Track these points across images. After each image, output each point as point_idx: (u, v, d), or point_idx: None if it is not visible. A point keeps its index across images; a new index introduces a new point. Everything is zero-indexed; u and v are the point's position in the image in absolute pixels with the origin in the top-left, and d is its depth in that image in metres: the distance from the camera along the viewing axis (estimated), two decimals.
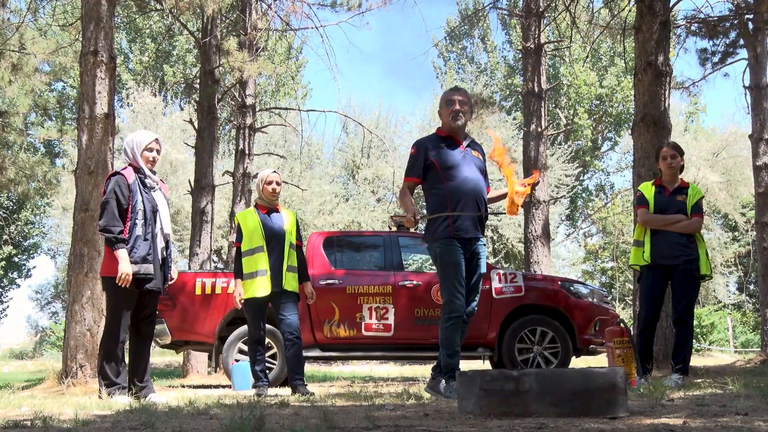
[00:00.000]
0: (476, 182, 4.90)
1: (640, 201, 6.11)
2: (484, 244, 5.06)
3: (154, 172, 5.28)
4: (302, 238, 6.24)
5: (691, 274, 5.83)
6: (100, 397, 5.00)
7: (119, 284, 4.92)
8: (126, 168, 5.18)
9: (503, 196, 5.06)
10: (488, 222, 23.04)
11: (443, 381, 4.83)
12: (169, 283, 5.42)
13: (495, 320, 7.56)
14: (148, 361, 5.31)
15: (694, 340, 6.44)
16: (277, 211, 6.00)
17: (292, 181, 19.98)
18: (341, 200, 24.97)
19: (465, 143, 5.01)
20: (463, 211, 4.80)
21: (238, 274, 5.90)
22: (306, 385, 5.84)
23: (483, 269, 5.01)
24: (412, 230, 7.85)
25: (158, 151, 5.27)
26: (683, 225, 5.85)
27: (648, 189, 6.10)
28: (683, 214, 5.88)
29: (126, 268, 4.91)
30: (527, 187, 4.80)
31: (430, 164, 4.91)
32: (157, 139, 5.29)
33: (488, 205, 4.99)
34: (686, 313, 5.83)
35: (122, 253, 4.93)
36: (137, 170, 5.16)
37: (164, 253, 5.28)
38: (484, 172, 5.04)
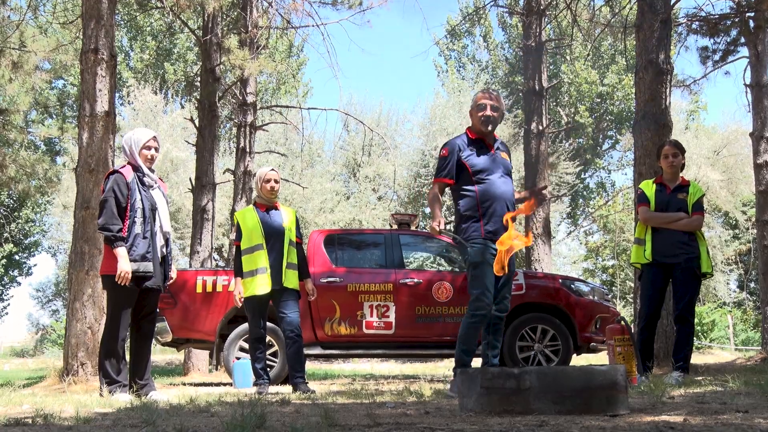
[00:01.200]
0: (506, 186, 4.91)
1: (640, 199, 6.11)
2: None
3: (152, 170, 5.28)
4: (302, 235, 6.24)
5: (692, 272, 5.84)
6: (101, 395, 5.00)
7: (119, 282, 4.92)
8: (124, 166, 5.18)
9: (522, 200, 5.04)
10: None
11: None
12: (170, 281, 5.43)
13: None
14: (149, 359, 5.32)
15: (694, 338, 6.45)
16: (276, 208, 6.00)
17: (293, 179, 19.98)
18: (342, 198, 24.97)
19: (495, 146, 5.00)
20: (492, 216, 4.79)
21: (238, 272, 5.90)
22: (307, 382, 5.84)
23: (512, 268, 4.99)
24: (413, 228, 7.82)
25: (156, 149, 5.27)
26: (684, 223, 5.86)
27: (649, 187, 6.10)
28: (684, 212, 5.89)
29: (125, 266, 4.92)
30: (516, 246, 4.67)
31: (461, 166, 4.88)
32: (155, 136, 5.28)
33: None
34: (687, 311, 5.83)
35: (121, 252, 4.94)
36: (135, 168, 5.16)
37: (164, 251, 5.28)
38: (510, 174, 5.04)
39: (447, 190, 5.12)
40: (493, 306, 4.88)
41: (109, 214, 4.99)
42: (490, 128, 4.94)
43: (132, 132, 5.36)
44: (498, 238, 4.76)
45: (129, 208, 5.05)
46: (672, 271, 5.89)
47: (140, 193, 5.10)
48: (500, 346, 5.08)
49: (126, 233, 5.00)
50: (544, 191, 5.06)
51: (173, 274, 5.43)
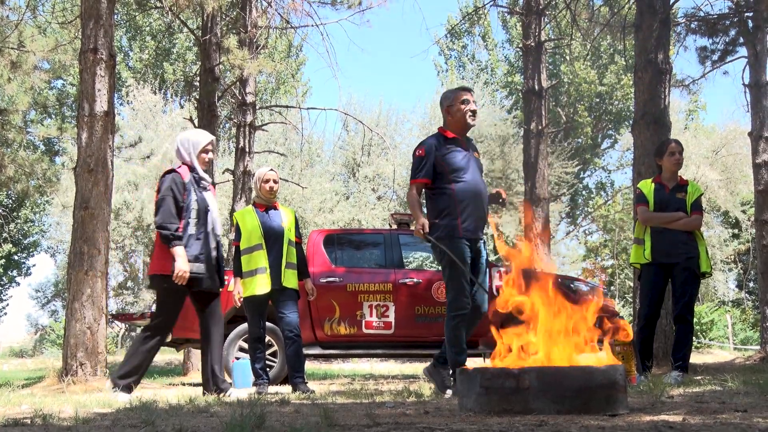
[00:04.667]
0: (480, 185, 4.96)
1: (639, 199, 6.12)
2: (485, 242, 5.11)
3: (207, 173, 5.32)
4: (302, 235, 6.25)
5: (691, 272, 5.85)
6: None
7: (176, 282, 4.92)
8: (181, 166, 5.19)
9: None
10: (489, 220, 23.05)
11: (446, 375, 4.87)
12: (225, 283, 5.47)
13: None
14: (220, 363, 5.34)
15: (693, 338, 6.46)
16: (275, 208, 6.01)
17: (293, 179, 19.96)
18: (342, 198, 24.96)
19: (467, 145, 5.05)
20: (469, 215, 4.83)
21: (238, 272, 5.91)
22: (306, 382, 5.85)
23: (486, 266, 5.08)
24: (412, 228, 7.83)
25: (213, 152, 5.33)
26: (683, 222, 5.87)
27: (647, 186, 6.11)
28: (683, 212, 5.90)
29: (183, 265, 4.92)
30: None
31: (438, 165, 4.90)
32: (213, 140, 5.34)
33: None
34: (686, 311, 5.84)
35: (179, 251, 4.94)
36: (191, 169, 5.19)
37: (216, 253, 5.30)
38: (482, 172, 5.10)
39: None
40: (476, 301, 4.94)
41: (167, 212, 4.99)
42: (474, 123, 4.99)
43: (188, 133, 5.36)
44: (473, 236, 4.85)
45: (184, 208, 5.06)
46: (671, 271, 5.90)
47: (196, 194, 5.12)
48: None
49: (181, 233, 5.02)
50: (500, 199, 5.10)
51: (225, 276, 5.48)
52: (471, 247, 4.90)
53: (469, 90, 5.11)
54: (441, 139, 5.00)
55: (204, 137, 5.29)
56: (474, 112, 4.98)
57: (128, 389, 5.02)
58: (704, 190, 24.05)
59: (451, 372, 4.89)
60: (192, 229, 5.07)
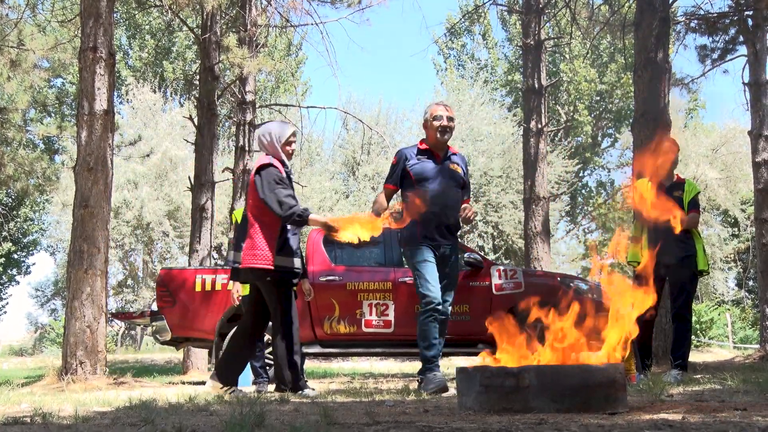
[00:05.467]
0: (445, 195, 5.16)
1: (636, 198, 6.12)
2: (455, 247, 5.30)
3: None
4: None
5: (688, 270, 5.85)
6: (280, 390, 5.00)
7: (332, 236, 4.88)
8: (273, 160, 5.05)
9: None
10: (489, 218, 23.11)
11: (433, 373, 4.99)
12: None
13: None
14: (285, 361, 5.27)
15: (693, 336, 6.47)
16: None
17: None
18: (341, 197, 24.95)
19: (444, 156, 5.27)
20: (427, 222, 5.05)
21: None
22: (306, 381, 5.85)
23: (455, 272, 5.30)
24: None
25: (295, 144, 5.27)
26: (681, 221, 5.86)
27: (644, 186, 6.10)
28: (680, 210, 5.89)
29: (330, 221, 4.88)
30: None
31: (405, 174, 5.21)
32: (295, 132, 5.27)
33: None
34: (684, 309, 5.84)
35: (317, 217, 4.87)
36: (282, 163, 5.10)
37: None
38: (463, 185, 5.31)
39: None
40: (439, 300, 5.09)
41: (285, 197, 4.86)
42: (446, 138, 5.24)
43: (271, 125, 5.23)
44: (434, 243, 5.10)
45: None
46: (668, 270, 5.89)
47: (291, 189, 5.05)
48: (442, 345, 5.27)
49: (279, 229, 4.96)
50: (467, 219, 5.22)
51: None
52: (436, 251, 5.13)
53: (445, 106, 5.35)
54: (415, 149, 5.30)
55: (288, 129, 5.19)
56: (444, 129, 5.21)
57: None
58: (704, 189, 24.06)
59: (421, 367, 5.03)
60: (288, 225, 5.03)
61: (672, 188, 6.00)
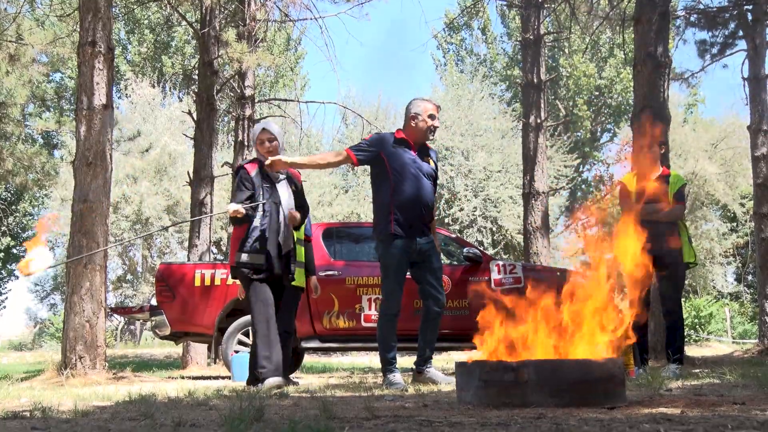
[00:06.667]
0: (421, 185, 5.06)
1: (622, 192, 6.14)
2: (431, 242, 5.17)
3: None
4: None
5: (675, 263, 5.85)
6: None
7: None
8: (247, 161, 5.34)
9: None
10: (488, 213, 23.10)
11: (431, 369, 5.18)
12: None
13: None
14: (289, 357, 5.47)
15: (692, 331, 6.48)
16: None
17: None
18: (340, 191, 24.95)
19: (419, 150, 5.18)
20: (402, 213, 4.97)
21: None
22: (288, 375, 5.98)
23: (437, 264, 5.18)
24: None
25: (270, 140, 5.29)
26: (665, 213, 5.86)
27: (630, 180, 6.12)
28: (666, 203, 5.89)
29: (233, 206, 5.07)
30: None
31: (380, 160, 5.06)
32: (264, 128, 5.32)
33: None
34: (673, 303, 5.86)
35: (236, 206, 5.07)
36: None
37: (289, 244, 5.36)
38: (433, 178, 5.21)
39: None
40: (429, 301, 5.15)
41: (238, 202, 5.08)
42: (432, 137, 5.23)
43: (257, 124, 5.45)
44: (410, 234, 4.98)
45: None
46: (656, 263, 5.88)
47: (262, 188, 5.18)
48: (435, 341, 5.39)
49: (247, 227, 5.11)
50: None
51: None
52: (410, 247, 5.01)
53: (438, 107, 5.34)
54: (391, 136, 5.17)
55: (257, 128, 5.34)
56: (435, 130, 5.19)
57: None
58: (702, 184, 24.06)
59: (382, 369, 5.23)
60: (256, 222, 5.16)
61: (657, 182, 5.99)
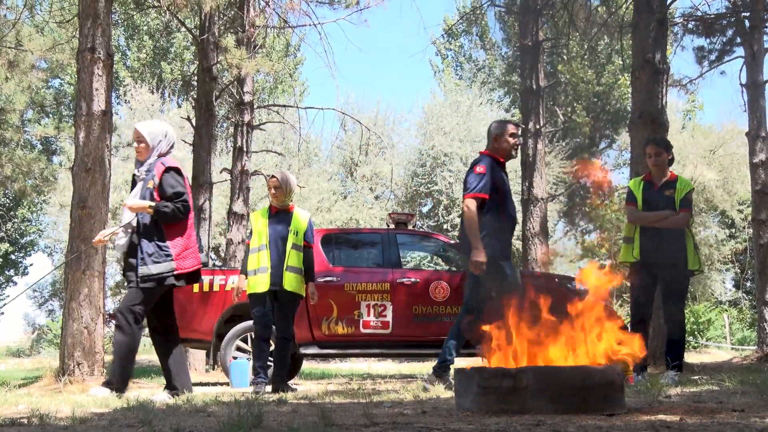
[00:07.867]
0: (515, 210, 5.58)
1: (628, 198, 6.14)
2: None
3: (141, 163, 5.29)
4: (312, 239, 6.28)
5: (678, 271, 5.84)
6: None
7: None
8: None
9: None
10: None
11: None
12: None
13: None
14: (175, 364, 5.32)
15: (691, 338, 6.48)
16: (288, 211, 6.07)
17: None
18: (339, 198, 24.95)
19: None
20: (505, 237, 5.41)
21: (244, 270, 6.12)
22: (286, 381, 5.98)
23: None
24: (410, 227, 7.86)
25: (139, 141, 5.37)
26: (671, 221, 5.85)
27: (636, 185, 6.11)
28: (672, 209, 5.88)
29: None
30: None
31: (493, 185, 5.31)
32: (135, 129, 5.42)
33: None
34: (675, 310, 5.85)
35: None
36: None
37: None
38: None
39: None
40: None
41: None
42: (515, 155, 5.60)
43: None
44: (508, 254, 5.42)
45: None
46: (660, 270, 5.88)
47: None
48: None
49: None
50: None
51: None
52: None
53: (518, 125, 5.73)
54: (495, 161, 5.44)
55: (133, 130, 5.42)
56: (518, 147, 5.60)
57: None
58: (701, 190, 24.07)
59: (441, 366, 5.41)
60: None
61: (664, 186, 5.99)
